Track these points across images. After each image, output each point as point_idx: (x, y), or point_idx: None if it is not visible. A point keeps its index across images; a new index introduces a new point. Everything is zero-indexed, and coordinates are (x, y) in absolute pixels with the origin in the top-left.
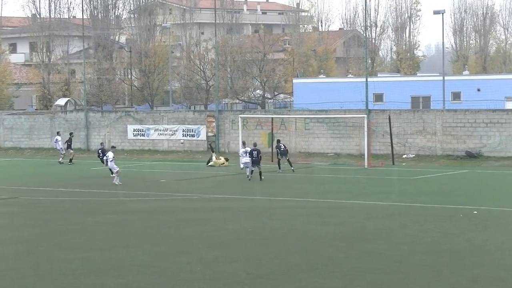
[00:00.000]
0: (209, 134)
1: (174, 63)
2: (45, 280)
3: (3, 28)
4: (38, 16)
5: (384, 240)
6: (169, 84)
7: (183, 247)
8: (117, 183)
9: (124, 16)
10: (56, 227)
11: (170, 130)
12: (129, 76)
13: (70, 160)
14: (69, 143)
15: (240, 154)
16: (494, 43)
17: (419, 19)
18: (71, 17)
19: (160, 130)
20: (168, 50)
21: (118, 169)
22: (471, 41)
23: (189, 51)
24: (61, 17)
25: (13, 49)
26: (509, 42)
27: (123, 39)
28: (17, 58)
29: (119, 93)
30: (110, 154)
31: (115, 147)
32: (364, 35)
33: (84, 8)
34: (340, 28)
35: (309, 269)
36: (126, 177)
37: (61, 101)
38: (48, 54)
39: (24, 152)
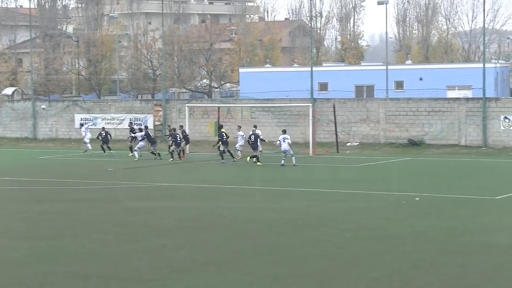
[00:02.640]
0: (156, 123)
1: (121, 52)
2: None
3: None
4: None
5: (328, 227)
6: (116, 74)
7: (130, 235)
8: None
9: (71, 6)
10: (3, 216)
11: (117, 119)
12: (77, 66)
13: None
14: None
15: (235, 137)
16: (436, 33)
17: (363, 9)
18: (18, 6)
19: (108, 119)
20: (116, 39)
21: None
22: (414, 31)
23: (136, 40)
24: (8, 7)
25: None
26: (451, 32)
27: (70, 29)
28: None
29: (66, 82)
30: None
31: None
32: (310, 25)
33: None
34: (286, 18)
35: (255, 256)
36: (74, 166)
37: (8, 91)
38: None
39: None
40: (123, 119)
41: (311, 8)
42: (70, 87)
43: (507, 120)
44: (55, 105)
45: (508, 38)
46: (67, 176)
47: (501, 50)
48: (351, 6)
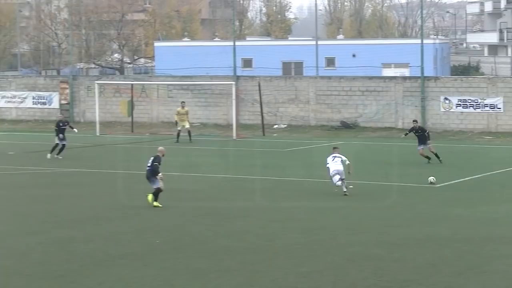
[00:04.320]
0: (63, 102)
1: (22, 23)
2: None
3: None
4: None
5: (254, 217)
6: (17, 47)
7: (34, 226)
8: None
9: None
10: None
11: (18, 97)
12: None
13: None
14: None
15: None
16: (370, 6)
17: None
18: None
19: (8, 97)
20: (16, 8)
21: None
22: (345, 3)
23: (39, 10)
24: None
25: None
26: (386, 4)
27: None
28: None
29: None
30: None
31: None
32: None
33: None
34: None
35: (174, 249)
36: None
37: None
38: None
39: None
40: (25, 97)
41: None
42: None
43: (447, 101)
44: None
45: (448, 11)
46: None
47: (440, 25)
48: None
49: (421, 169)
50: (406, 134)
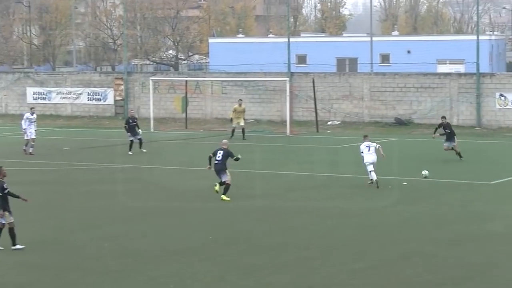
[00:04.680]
0: (117, 98)
1: (78, 19)
2: None
3: None
4: None
5: (309, 213)
6: (72, 43)
7: (88, 221)
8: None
9: None
10: None
11: (74, 94)
12: (28, 34)
13: None
14: None
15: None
16: (426, 2)
17: None
18: None
19: (63, 94)
20: (71, 5)
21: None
22: None
23: (94, 6)
24: None
25: None
26: (441, 0)
27: None
28: None
29: (17, 52)
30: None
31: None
32: None
33: None
34: None
35: (228, 245)
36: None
37: None
38: None
39: None
40: (80, 93)
41: None
42: (21, 57)
43: (503, 98)
44: (5, 77)
45: (504, 7)
46: (18, 156)
47: (496, 21)
48: None
49: (475, 166)
50: (434, 133)
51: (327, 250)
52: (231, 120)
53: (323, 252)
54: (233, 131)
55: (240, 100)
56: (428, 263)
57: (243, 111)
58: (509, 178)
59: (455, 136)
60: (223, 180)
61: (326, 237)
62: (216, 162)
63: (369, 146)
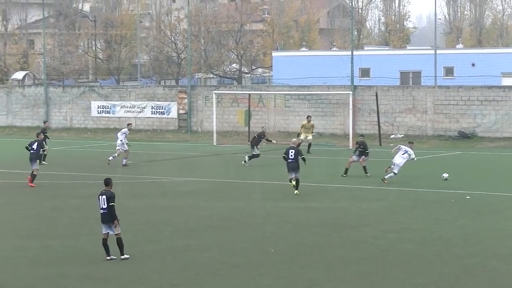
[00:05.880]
0: (181, 111)
1: (142, 33)
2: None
3: None
4: None
5: (370, 227)
6: (137, 57)
7: (151, 234)
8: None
9: None
10: (13, 213)
11: (138, 107)
12: (94, 48)
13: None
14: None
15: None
16: (490, 14)
17: None
18: None
19: (127, 107)
20: (136, 19)
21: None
22: (465, 12)
23: (159, 20)
24: None
25: None
26: (507, 13)
27: (87, 7)
28: None
29: (82, 66)
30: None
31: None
32: (350, 4)
33: None
34: None
35: (289, 259)
36: (90, 159)
37: (19, 75)
38: (5, 23)
39: None
40: (144, 107)
41: None
42: (86, 71)
43: None
44: (70, 91)
45: None
46: (82, 169)
47: None
48: None
49: None
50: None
51: (389, 264)
52: (298, 134)
53: (385, 266)
54: (299, 144)
55: (309, 116)
56: (490, 278)
57: (312, 127)
58: None
59: (368, 153)
60: (296, 177)
61: (388, 251)
62: (290, 160)
63: (406, 151)
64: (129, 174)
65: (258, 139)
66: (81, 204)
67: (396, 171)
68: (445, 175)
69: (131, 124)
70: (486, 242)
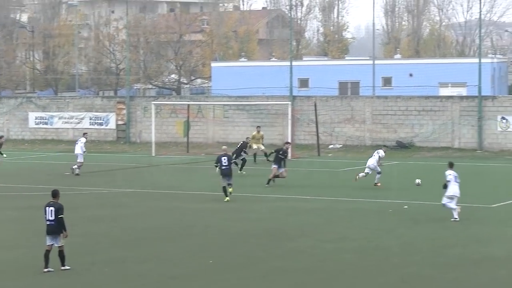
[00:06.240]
0: (119, 122)
1: (81, 44)
2: None
3: None
4: None
5: (308, 237)
6: (75, 68)
7: (88, 246)
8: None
9: None
10: None
11: (76, 118)
12: (31, 59)
13: None
14: None
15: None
16: (428, 25)
17: None
18: None
19: (65, 118)
20: (75, 30)
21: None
22: (403, 22)
23: (97, 31)
24: None
25: None
26: (444, 23)
27: (24, 18)
28: None
29: (19, 77)
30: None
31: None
32: (289, 15)
33: None
34: (263, 7)
35: (227, 269)
36: (28, 170)
37: None
38: None
39: None
40: (82, 118)
41: None
42: (23, 82)
43: (504, 121)
44: (7, 102)
45: (507, 30)
46: (19, 181)
47: (498, 44)
48: None
49: (476, 189)
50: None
51: (326, 274)
52: (250, 146)
53: (322, 276)
54: (254, 155)
55: (259, 126)
56: (427, 287)
57: (262, 137)
58: (510, 201)
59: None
60: (229, 183)
61: (325, 261)
62: (224, 167)
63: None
64: (68, 185)
65: (240, 149)
66: (19, 216)
67: (368, 171)
68: (418, 180)
69: (86, 133)
70: (423, 251)
